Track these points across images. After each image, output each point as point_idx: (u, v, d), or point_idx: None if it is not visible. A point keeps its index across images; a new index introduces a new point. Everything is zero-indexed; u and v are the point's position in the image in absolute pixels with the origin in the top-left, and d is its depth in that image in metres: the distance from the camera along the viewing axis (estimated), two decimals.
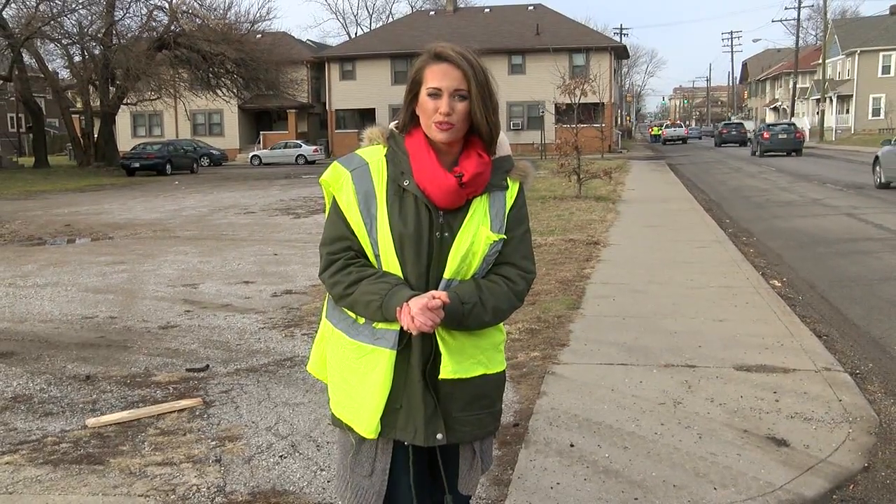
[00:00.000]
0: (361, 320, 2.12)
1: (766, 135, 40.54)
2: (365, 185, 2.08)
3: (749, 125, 54.54)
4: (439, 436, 2.14)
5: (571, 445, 4.03)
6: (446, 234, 2.07)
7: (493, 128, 2.09)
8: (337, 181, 2.11)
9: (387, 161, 2.11)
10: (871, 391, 4.87)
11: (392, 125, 2.18)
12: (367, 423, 2.12)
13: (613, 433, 4.19)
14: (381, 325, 2.09)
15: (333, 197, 2.13)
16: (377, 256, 2.08)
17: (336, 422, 2.23)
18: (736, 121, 69.04)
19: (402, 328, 2.04)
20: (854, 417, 4.34)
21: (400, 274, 2.06)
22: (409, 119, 2.12)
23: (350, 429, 2.18)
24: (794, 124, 42.94)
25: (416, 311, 1.95)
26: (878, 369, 5.41)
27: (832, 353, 5.60)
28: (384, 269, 2.08)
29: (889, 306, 7.26)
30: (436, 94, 2.03)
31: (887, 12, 66.33)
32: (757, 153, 40.21)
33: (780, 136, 39.88)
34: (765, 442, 4.04)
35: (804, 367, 5.22)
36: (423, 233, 2.05)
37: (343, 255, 2.09)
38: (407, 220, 2.05)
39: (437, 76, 2.04)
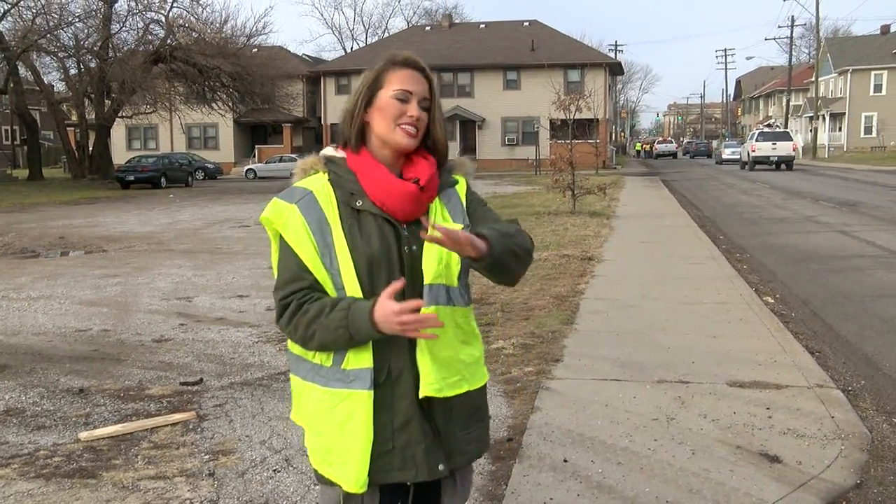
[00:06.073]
0: (328, 363, 1.97)
1: (694, 146, 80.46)
2: (315, 214, 1.94)
3: (715, 143, 79.60)
4: (441, 466, 2.02)
5: (565, 461, 4.04)
6: (414, 247, 1.98)
7: (446, 139, 2.11)
8: (280, 217, 1.96)
9: (332, 186, 1.99)
10: (863, 408, 4.89)
11: (328, 151, 2.08)
12: (354, 478, 1.96)
13: (607, 449, 4.19)
14: (352, 366, 1.95)
15: (280, 236, 1.98)
16: (341, 288, 1.94)
17: (319, 477, 2.07)
18: (691, 139, 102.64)
19: (375, 365, 1.94)
20: (846, 434, 4.36)
21: (362, 296, 1.93)
22: (359, 129, 2.01)
23: (336, 484, 2.01)
24: (710, 143, 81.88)
25: (396, 319, 1.81)
26: (870, 386, 5.43)
27: (825, 370, 5.62)
28: (348, 293, 1.94)
29: (881, 323, 7.29)
30: (405, 97, 1.98)
31: (878, 32, 66.92)
32: (690, 156, 76.07)
33: (701, 148, 77.70)
34: (757, 458, 4.05)
35: (797, 384, 5.24)
36: (392, 250, 1.96)
37: (295, 297, 1.94)
38: (371, 240, 1.94)
39: (406, 80, 2.00)
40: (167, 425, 4.71)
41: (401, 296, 1.90)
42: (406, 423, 1.97)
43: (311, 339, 1.92)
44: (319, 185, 1.98)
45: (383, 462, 1.97)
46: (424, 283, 1.98)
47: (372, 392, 1.94)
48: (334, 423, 1.96)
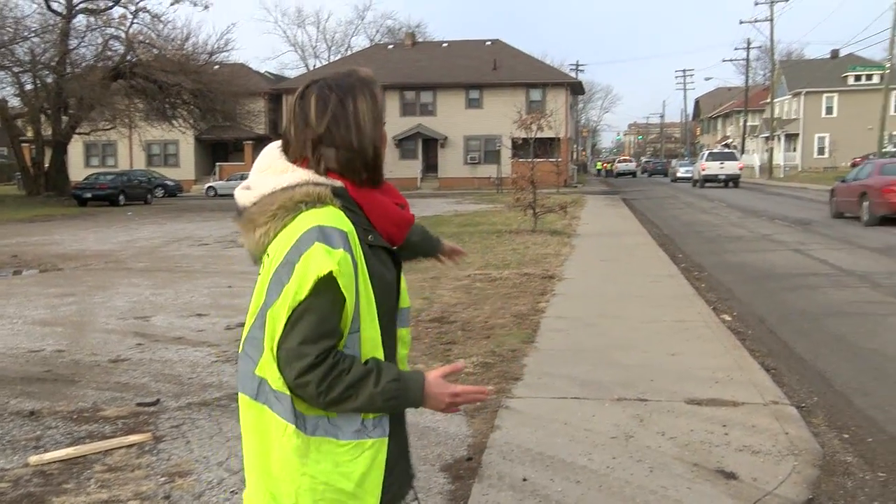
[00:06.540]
0: (333, 414, 1.79)
1: (651, 165, 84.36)
2: (355, 258, 1.76)
3: (674, 161, 74.58)
4: (412, 471, 2.06)
5: (524, 479, 4.05)
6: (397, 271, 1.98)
7: None
8: (338, 265, 1.72)
9: (352, 223, 1.80)
10: (815, 424, 4.98)
11: (318, 178, 1.81)
12: None
13: (566, 467, 4.21)
14: (372, 416, 1.81)
15: (329, 284, 1.72)
16: (355, 332, 1.79)
17: None
18: (649, 159, 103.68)
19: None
20: (799, 450, 4.44)
21: (379, 336, 1.83)
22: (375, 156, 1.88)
23: None
24: (667, 162, 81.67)
25: (449, 400, 1.84)
26: (823, 402, 5.54)
27: (779, 387, 5.72)
28: (364, 336, 1.80)
29: (833, 340, 7.44)
30: None
31: (829, 56, 68.80)
32: (648, 175, 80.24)
33: (658, 167, 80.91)
34: (714, 475, 4.10)
35: (752, 401, 5.32)
36: (395, 281, 1.93)
37: (330, 354, 1.74)
38: (387, 276, 1.87)
39: None
40: (122, 447, 4.62)
41: (392, 322, 1.92)
42: (406, 439, 1.99)
43: (343, 402, 1.74)
44: (349, 226, 1.77)
45: (395, 488, 1.91)
46: (402, 306, 1.98)
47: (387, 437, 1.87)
48: (355, 476, 1.80)
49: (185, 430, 4.95)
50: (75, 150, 50.86)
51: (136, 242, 18.35)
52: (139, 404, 5.50)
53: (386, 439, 1.84)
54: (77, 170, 49.82)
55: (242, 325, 8.23)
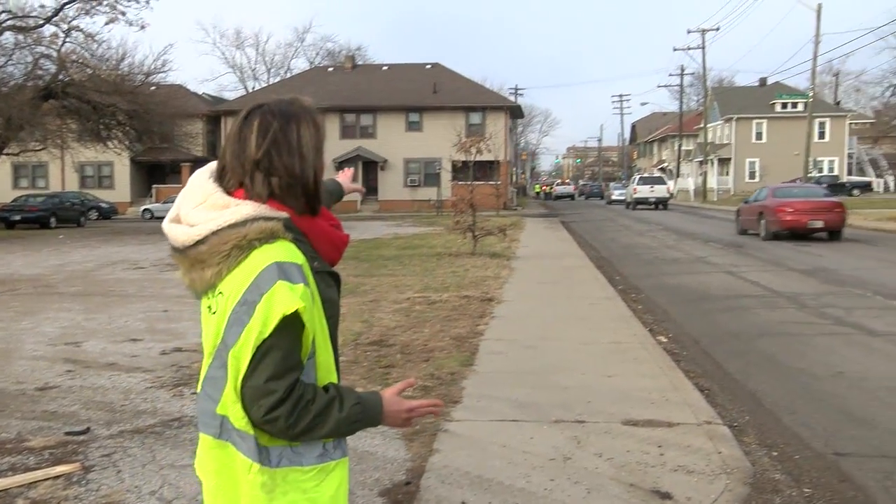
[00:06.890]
0: (296, 442, 1.79)
1: (588, 188, 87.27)
2: (311, 289, 1.77)
3: (612, 184, 78.12)
4: None
5: (463, 503, 4.04)
6: None
7: None
8: (301, 300, 1.71)
9: (303, 254, 1.80)
10: (746, 443, 5.11)
11: (265, 211, 1.76)
12: None
13: (504, 490, 4.23)
14: (329, 439, 1.83)
15: (295, 320, 1.72)
16: (310, 358, 1.79)
17: None
18: (586, 182, 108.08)
19: None
20: (731, 469, 4.54)
21: (332, 360, 1.87)
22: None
23: None
24: (604, 185, 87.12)
25: (406, 415, 1.94)
26: (754, 421, 5.68)
27: (713, 407, 5.85)
28: (319, 361, 1.81)
29: (764, 360, 7.65)
30: None
31: (757, 83, 71.28)
32: (585, 197, 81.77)
33: (594, 190, 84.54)
34: (650, 495, 4.16)
35: (687, 421, 5.42)
36: (338, 297, 1.95)
37: (296, 387, 1.73)
38: (334, 299, 1.89)
39: None
40: (48, 479, 4.47)
41: (335, 340, 1.91)
42: None
43: (311, 431, 1.75)
44: (302, 258, 1.76)
45: None
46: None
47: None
48: (324, 500, 1.81)
49: (117, 458, 4.81)
50: (3, 171, 49.45)
51: (68, 266, 17.85)
52: (68, 433, 5.33)
53: (347, 458, 1.88)
54: (5, 192, 48.42)
55: (178, 349, 8.05)
